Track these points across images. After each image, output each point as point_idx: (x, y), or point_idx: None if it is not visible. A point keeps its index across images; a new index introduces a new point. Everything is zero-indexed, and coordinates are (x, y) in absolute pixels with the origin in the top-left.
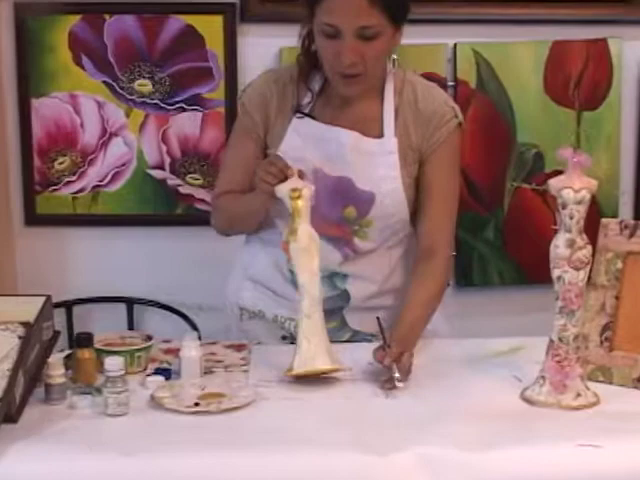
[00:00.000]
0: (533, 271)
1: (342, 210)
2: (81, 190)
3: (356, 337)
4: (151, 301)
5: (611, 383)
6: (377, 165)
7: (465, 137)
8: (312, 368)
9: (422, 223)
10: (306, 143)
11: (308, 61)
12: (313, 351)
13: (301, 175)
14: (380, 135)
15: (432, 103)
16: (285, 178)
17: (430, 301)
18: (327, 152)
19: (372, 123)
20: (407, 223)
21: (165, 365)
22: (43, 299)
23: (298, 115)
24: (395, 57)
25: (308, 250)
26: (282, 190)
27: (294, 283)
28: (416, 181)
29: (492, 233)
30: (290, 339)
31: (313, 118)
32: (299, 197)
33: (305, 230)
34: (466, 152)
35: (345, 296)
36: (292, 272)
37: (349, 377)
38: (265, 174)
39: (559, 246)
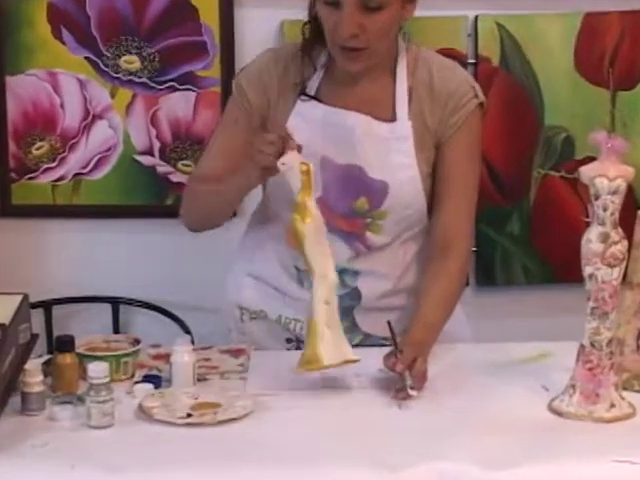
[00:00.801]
0: (562, 268)
1: (353, 202)
2: (61, 178)
3: (367, 341)
4: (139, 301)
5: None
6: (391, 152)
7: (487, 120)
8: (345, 357)
9: (437, 215)
10: (312, 128)
11: (313, 30)
12: (339, 340)
13: (300, 150)
14: (393, 118)
15: (449, 82)
16: (283, 152)
17: (447, 301)
18: (335, 138)
19: (384, 105)
20: (424, 215)
21: (154, 372)
22: (19, 298)
23: (302, 97)
24: (405, 32)
25: (321, 230)
26: (290, 162)
27: (300, 281)
28: (433, 168)
29: (517, 226)
30: (296, 342)
31: (319, 101)
32: (308, 171)
33: (315, 208)
34: (488, 136)
35: (356, 295)
36: (298, 269)
37: (358, 385)
38: (263, 143)
39: (591, 241)
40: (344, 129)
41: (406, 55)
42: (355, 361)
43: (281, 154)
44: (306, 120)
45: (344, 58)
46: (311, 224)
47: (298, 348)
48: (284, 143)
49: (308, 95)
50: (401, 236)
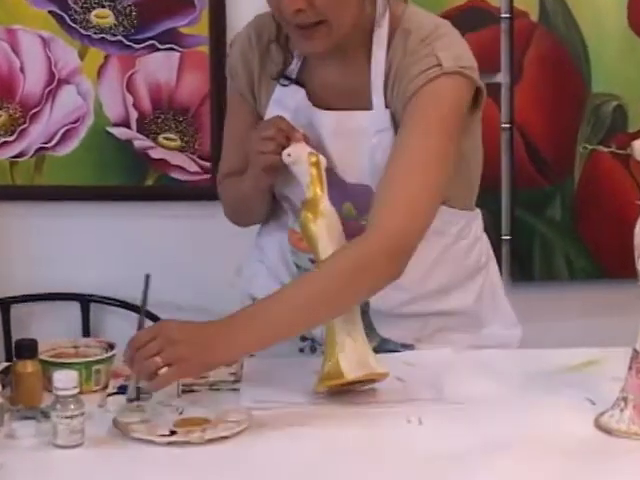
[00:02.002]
0: (612, 261)
1: (338, 207)
2: (21, 154)
3: (384, 346)
4: (113, 299)
5: None
6: (370, 149)
7: (523, 86)
8: (370, 370)
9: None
10: (293, 118)
11: None
12: (362, 350)
13: (307, 140)
14: (369, 106)
15: (414, 54)
16: (285, 145)
17: (300, 294)
18: (313, 135)
19: (360, 91)
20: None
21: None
22: None
23: (282, 81)
24: None
25: (337, 228)
26: (297, 153)
27: None
28: None
29: (559, 211)
30: (311, 341)
31: (301, 86)
32: (318, 163)
33: (328, 204)
34: (525, 106)
35: (363, 303)
36: (298, 266)
37: (370, 398)
38: (262, 142)
39: None
40: (312, 129)
41: (389, 24)
42: (383, 375)
43: (284, 148)
44: (286, 109)
45: (299, 38)
46: (324, 222)
47: (313, 348)
48: (287, 135)
49: (289, 78)
50: None
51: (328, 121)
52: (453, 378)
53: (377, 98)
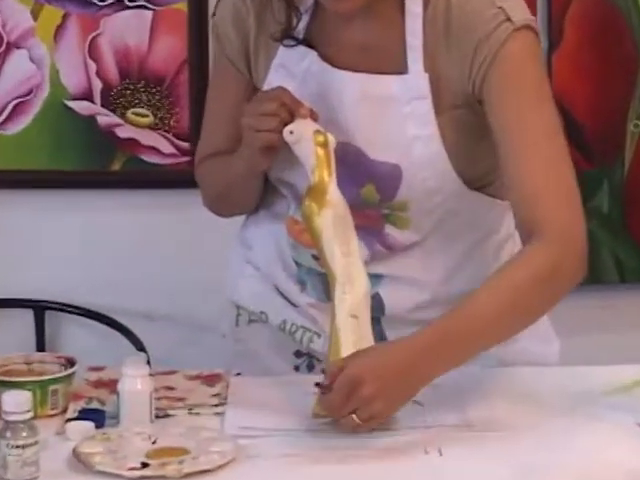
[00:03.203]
0: None
1: (358, 189)
2: None
3: None
4: (72, 306)
5: None
6: (402, 119)
7: (564, 53)
8: None
9: (509, 190)
10: (299, 86)
11: None
12: None
13: (314, 117)
14: (403, 70)
15: (470, 9)
16: (288, 122)
17: (503, 294)
18: (324, 105)
19: (391, 52)
20: (466, 199)
21: (95, 405)
22: None
23: (286, 42)
24: None
25: (345, 221)
26: (300, 131)
27: (301, 281)
28: (477, 131)
29: (606, 201)
30: (308, 358)
31: (310, 46)
32: (326, 143)
33: (337, 191)
34: (565, 76)
35: (377, 304)
36: (298, 264)
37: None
38: (261, 118)
39: None
40: (331, 94)
41: None
42: None
43: (286, 125)
44: (292, 75)
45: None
46: (330, 213)
47: (311, 366)
48: (291, 111)
49: (295, 38)
50: (439, 230)
51: (352, 84)
52: (480, 400)
53: (414, 60)
